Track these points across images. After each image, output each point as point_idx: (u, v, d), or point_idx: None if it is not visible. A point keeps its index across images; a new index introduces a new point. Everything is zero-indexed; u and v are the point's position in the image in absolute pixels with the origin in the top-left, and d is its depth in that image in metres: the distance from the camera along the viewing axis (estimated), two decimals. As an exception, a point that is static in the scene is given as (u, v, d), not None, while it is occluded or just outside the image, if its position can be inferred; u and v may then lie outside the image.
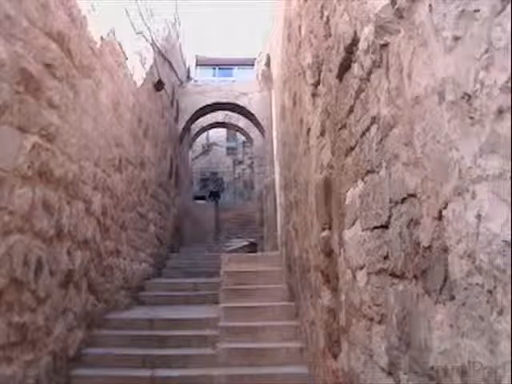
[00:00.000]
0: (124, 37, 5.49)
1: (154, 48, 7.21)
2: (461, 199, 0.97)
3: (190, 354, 4.13)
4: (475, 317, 0.91)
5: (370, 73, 1.65)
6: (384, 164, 1.52)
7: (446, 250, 1.05)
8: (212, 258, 7.81)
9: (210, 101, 9.90)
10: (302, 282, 3.91)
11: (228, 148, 20.27)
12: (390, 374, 1.49)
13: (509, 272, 0.78)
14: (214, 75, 18.13)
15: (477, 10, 0.88)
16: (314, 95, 2.95)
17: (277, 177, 7.43)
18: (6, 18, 2.80)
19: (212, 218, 13.63)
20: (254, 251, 9.53)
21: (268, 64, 8.58)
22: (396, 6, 1.34)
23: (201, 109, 10.03)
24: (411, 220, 1.28)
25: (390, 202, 1.47)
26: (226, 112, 11.07)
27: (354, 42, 1.84)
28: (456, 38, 0.97)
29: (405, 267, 1.35)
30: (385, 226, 1.53)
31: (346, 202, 2.09)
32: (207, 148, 19.79)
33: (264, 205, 9.62)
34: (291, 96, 4.44)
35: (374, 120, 1.62)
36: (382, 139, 1.54)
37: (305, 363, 3.87)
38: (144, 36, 6.61)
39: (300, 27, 3.56)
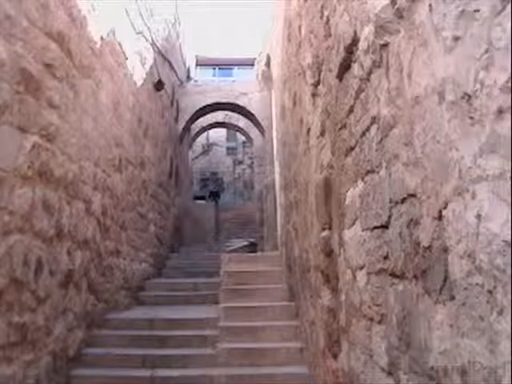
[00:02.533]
0: (124, 37, 5.49)
1: (153, 48, 7.21)
2: (461, 199, 0.97)
3: (190, 354, 4.13)
4: (475, 317, 0.91)
5: (370, 73, 1.65)
6: (384, 164, 1.52)
7: (446, 250, 1.05)
8: (212, 258, 7.81)
9: (210, 101, 9.90)
10: (302, 282, 3.91)
11: (228, 148, 20.27)
12: (389, 373, 1.49)
13: (509, 272, 0.78)
14: (214, 75, 18.14)
15: (477, 10, 0.88)
16: (314, 95, 2.95)
17: (277, 177, 7.43)
18: (6, 17, 2.80)
19: (212, 217, 13.63)
20: (254, 251, 9.52)
21: (268, 64, 8.58)
22: (396, 6, 1.34)
23: (201, 109, 10.03)
24: (411, 220, 1.28)
25: (390, 201, 1.47)
26: (226, 112, 11.07)
27: (354, 42, 1.84)
28: (456, 38, 0.97)
29: (405, 267, 1.35)
30: (385, 226, 1.53)
31: (346, 202, 2.09)
32: (207, 148, 19.79)
33: (264, 205, 9.62)
34: (291, 96, 4.44)
35: (374, 120, 1.62)
36: (381, 139, 1.54)
37: (305, 363, 3.87)
38: (144, 36, 6.61)
39: (300, 27, 3.56)
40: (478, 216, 0.89)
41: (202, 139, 17.39)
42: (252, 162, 15.66)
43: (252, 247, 10.14)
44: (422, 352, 1.21)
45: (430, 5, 1.10)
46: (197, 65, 16.60)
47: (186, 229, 11.14)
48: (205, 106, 10.00)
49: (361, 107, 1.79)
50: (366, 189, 1.76)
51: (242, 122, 11.25)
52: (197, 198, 16.76)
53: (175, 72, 9.41)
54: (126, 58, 5.64)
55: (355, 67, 1.86)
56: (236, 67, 18.20)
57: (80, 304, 4.08)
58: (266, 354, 4.10)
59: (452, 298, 1.02)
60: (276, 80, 6.98)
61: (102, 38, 4.66)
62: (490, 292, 0.85)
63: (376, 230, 1.63)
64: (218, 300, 5.16)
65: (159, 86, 7.48)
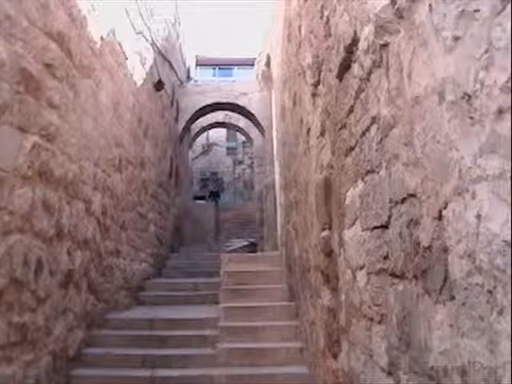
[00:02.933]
0: (124, 37, 5.49)
1: (153, 48, 7.21)
2: (461, 199, 0.97)
3: (190, 354, 4.13)
4: (475, 317, 0.91)
5: (370, 73, 1.65)
6: (384, 164, 1.52)
7: (446, 250, 1.05)
8: (212, 258, 7.81)
9: (210, 101, 9.90)
10: (302, 282, 3.91)
11: (228, 148, 20.28)
12: (389, 373, 1.49)
13: (509, 272, 0.78)
14: (214, 75, 18.14)
15: (477, 10, 0.88)
16: (314, 95, 2.95)
17: (277, 177, 7.43)
18: (6, 17, 2.80)
19: (212, 217, 13.63)
20: (254, 251, 9.52)
21: (268, 64, 8.58)
22: (396, 6, 1.34)
23: (201, 109, 10.03)
24: (411, 220, 1.28)
25: (390, 202, 1.47)
26: (226, 112, 11.07)
27: (354, 42, 1.84)
28: (456, 38, 0.97)
29: (405, 267, 1.35)
30: (385, 226, 1.53)
31: (346, 202, 2.09)
32: (207, 148, 19.80)
33: (264, 205, 9.62)
34: (291, 96, 4.44)
35: (374, 120, 1.62)
36: (381, 139, 1.54)
37: (305, 363, 3.87)
38: (144, 36, 6.61)
39: (300, 27, 3.56)
40: (478, 216, 0.89)
41: (202, 139, 17.38)
42: (252, 162, 15.66)
43: (252, 247, 10.14)
44: (421, 352, 1.21)
45: (430, 5, 1.10)
46: (197, 65, 16.61)
47: (186, 229, 11.14)
48: (205, 106, 10.00)
49: (361, 107, 1.79)
50: (366, 189, 1.76)
51: (242, 122, 11.25)
52: (197, 197, 16.76)
53: (175, 72, 9.41)
54: (126, 58, 5.64)
55: (355, 67, 1.86)
56: (236, 67, 18.20)
57: (80, 304, 4.08)
58: (265, 353, 4.10)
59: (452, 298, 1.02)
60: (276, 80, 6.98)
61: (102, 38, 4.65)
62: (490, 292, 0.85)
63: (376, 230, 1.63)
64: (218, 300, 5.16)
65: (159, 85, 7.48)
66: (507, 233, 0.79)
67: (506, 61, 0.79)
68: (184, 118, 9.92)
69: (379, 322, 1.61)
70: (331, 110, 2.37)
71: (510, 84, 0.78)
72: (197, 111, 10.02)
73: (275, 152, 7.58)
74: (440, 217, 1.08)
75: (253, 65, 13.19)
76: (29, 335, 3.06)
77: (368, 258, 1.74)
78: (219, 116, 11.44)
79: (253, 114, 9.82)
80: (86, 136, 4.20)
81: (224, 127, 13.29)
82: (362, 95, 1.76)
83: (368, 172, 1.72)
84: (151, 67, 7.08)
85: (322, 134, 2.67)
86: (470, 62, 0.91)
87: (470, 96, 0.91)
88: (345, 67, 2.01)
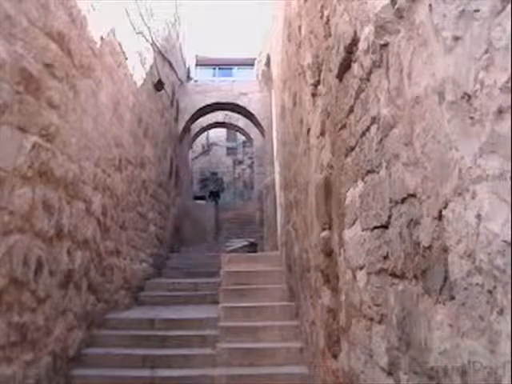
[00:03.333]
0: (124, 37, 5.49)
1: (153, 48, 7.21)
2: (461, 199, 0.97)
3: (190, 354, 4.13)
4: (475, 317, 0.91)
5: (370, 73, 1.65)
6: (384, 164, 1.52)
7: (446, 250, 1.05)
8: (212, 258, 7.80)
9: (209, 101, 9.90)
10: (302, 281, 3.91)
11: (228, 148, 20.30)
12: (390, 373, 1.49)
13: (509, 272, 0.78)
14: (214, 75, 18.16)
15: (477, 10, 0.88)
16: (314, 95, 2.95)
17: (277, 177, 7.43)
18: (6, 17, 2.80)
19: (212, 217, 13.62)
20: (254, 251, 9.51)
21: (268, 64, 8.57)
22: (396, 6, 1.34)
23: (201, 109, 10.03)
24: (411, 220, 1.28)
25: (390, 201, 1.47)
26: (226, 112, 11.07)
27: (354, 41, 1.84)
28: (456, 38, 0.97)
29: (405, 267, 1.35)
30: (385, 226, 1.53)
31: (346, 202, 2.09)
32: (207, 148, 19.81)
33: (264, 205, 9.62)
34: (291, 96, 4.44)
35: (374, 120, 1.62)
36: (381, 139, 1.54)
37: (305, 363, 3.87)
38: (144, 36, 6.61)
39: (300, 27, 3.56)
40: (478, 216, 0.89)
41: (202, 139, 17.40)
42: (252, 162, 15.67)
43: (252, 247, 10.13)
44: (422, 352, 1.21)
45: (430, 5, 1.10)
46: (197, 65, 16.61)
47: (185, 229, 11.13)
48: (205, 106, 10.00)
49: (361, 107, 1.79)
50: (366, 189, 1.76)
51: (241, 121, 11.26)
52: (197, 197, 16.75)
53: (175, 72, 9.41)
54: (126, 58, 5.64)
55: (355, 67, 1.86)
56: (236, 67, 18.21)
57: (80, 304, 4.08)
58: (265, 353, 4.10)
59: (452, 298, 1.02)
60: (276, 80, 6.97)
61: (101, 38, 4.65)
62: (489, 292, 0.85)
63: (376, 230, 1.63)
64: (217, 300, 5.16)
65: (159, 86, 7.48)
66: (507, 233, 0.79)
67: (506, 61, 0.79)
68: (184, 118, 9.92)
69: (379, 322, 1.61)
70: (331, 109, 2.37)
71: (509, 84, 0.78)
72: (197, 111, 10.02)
73: (275, 152, 7.58)
74: (440, 217, 1.08)
75: (253, 65, 13.20)
76: (29, 335, 3.06)
77: (368, 258, 1.74)
78: (219, 116, 11.44)
79: (253, 114, 9.82)
80: (85, 136, 4.20)
81: (224, 127, 13.30)
82: (362, 95, 1.76)
83: (368, 172, 1.72)
84: (151, 67, 7.08)
85: (322, 133, 2.67)
86: (470, 62, 0.91)
87: (469, 96, 0.91)
88: (345, 67, 2.01)
